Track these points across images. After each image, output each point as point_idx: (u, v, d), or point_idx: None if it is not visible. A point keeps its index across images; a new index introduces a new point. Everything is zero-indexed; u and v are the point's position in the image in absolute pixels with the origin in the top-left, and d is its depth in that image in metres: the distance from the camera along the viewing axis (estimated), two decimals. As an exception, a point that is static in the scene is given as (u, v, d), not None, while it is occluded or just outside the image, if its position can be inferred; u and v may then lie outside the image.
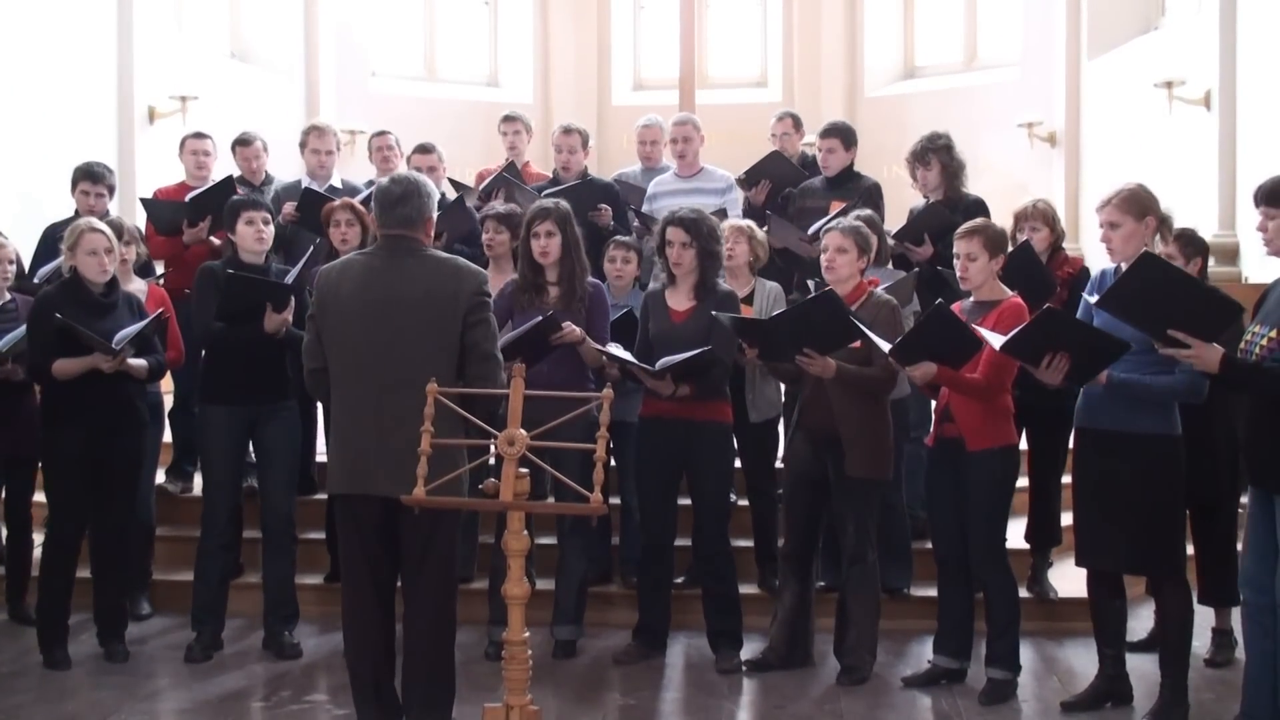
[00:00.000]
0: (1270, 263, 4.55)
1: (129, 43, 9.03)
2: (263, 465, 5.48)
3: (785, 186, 6.83)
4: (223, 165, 6.99)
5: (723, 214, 6.09)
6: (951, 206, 6.06)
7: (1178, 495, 4.49)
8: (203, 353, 5.48)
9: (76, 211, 6.19)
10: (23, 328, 5.24)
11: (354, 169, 8.52)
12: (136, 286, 5.70)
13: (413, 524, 3.98)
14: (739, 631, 5.26)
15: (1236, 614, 4.76)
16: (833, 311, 4.74)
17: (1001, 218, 5.59)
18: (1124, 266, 4.37)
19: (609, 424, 3.38)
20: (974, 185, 6.34)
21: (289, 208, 6.45)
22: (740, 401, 5.51)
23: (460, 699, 4.23)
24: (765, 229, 5.98)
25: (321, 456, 5.67)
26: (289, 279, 5.34)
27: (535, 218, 5.23)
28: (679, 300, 5.21)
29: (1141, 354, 4.25)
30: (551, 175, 7.20)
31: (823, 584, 5.49)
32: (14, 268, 5.61)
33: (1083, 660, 5.13)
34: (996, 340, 4.41)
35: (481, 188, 6.89)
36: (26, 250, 6.13)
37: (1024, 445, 5.25)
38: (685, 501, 5.33)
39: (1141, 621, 5.37)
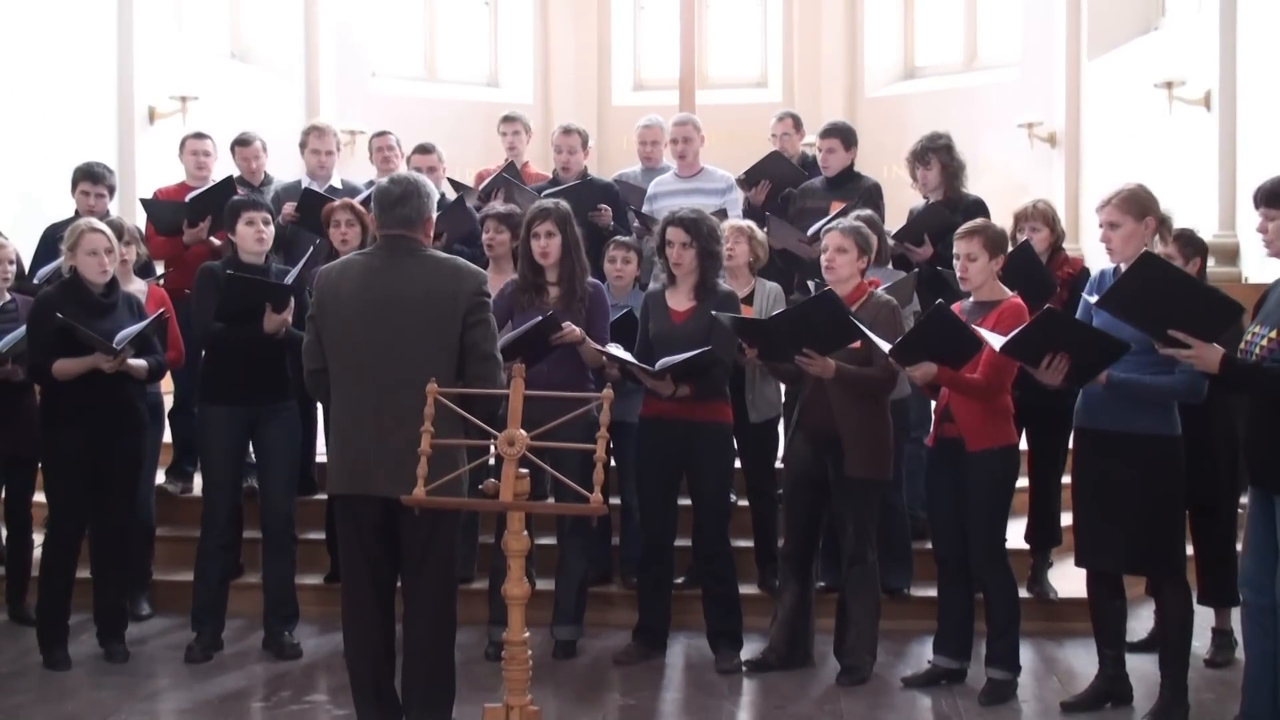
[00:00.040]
0: (1270, 263, 4.55)
1: (129, 43, 9.03)
2: (263, 465, 5.48)
3: (785, 187, 6.83)
4: (223, 165, 6.99)
5: (723, 214, 6.09)
6: (951, 207, 6.06)
7: (1177, 495, 4.49)
8: (202, 353, 5.49)
9: (76, 212, 6.19)
10: (23, 328, 5.24)
11: (354, 169, 8.52)
12: (136, 287, 5.70)
13: (413, 524, 3.98)
14: (739, 632, 5.26)
15: (1236, 614, 4.76)
16: (832, 311, 4.74)
17: (1001, 218, 5.59)
18: (1123, 267, 4.37)
19: (609, 424, 3.38)
20: (974, 185, 6.34)
21: (289, 208, 6.45)
22: (740, 402, 5.51)
23: (460, 699, 4.23)
24: (765, 229, 5.98)
25: (321, 457, 5.67)
26: (289, 279, 5.34)
27: (535, 218, 5.23)
28: (679, 300, 5.21)
29: (1141, 354, 4.25)
30: (551, 176, 7.20)
31: (823, 584, 5.49)
32: (14, 268, 5.61)
33: (1083, 660, 5.13)
34: (997, 341, 4.41)
35: (481, 188, 6.89)
36: (26, 251, 6.12)
37: (1024, 445, 5.25)
38: (685, 502, 5.33)
39: (1141, 622, 5.37)
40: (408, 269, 4.07)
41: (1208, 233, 7.59)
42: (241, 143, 6.99)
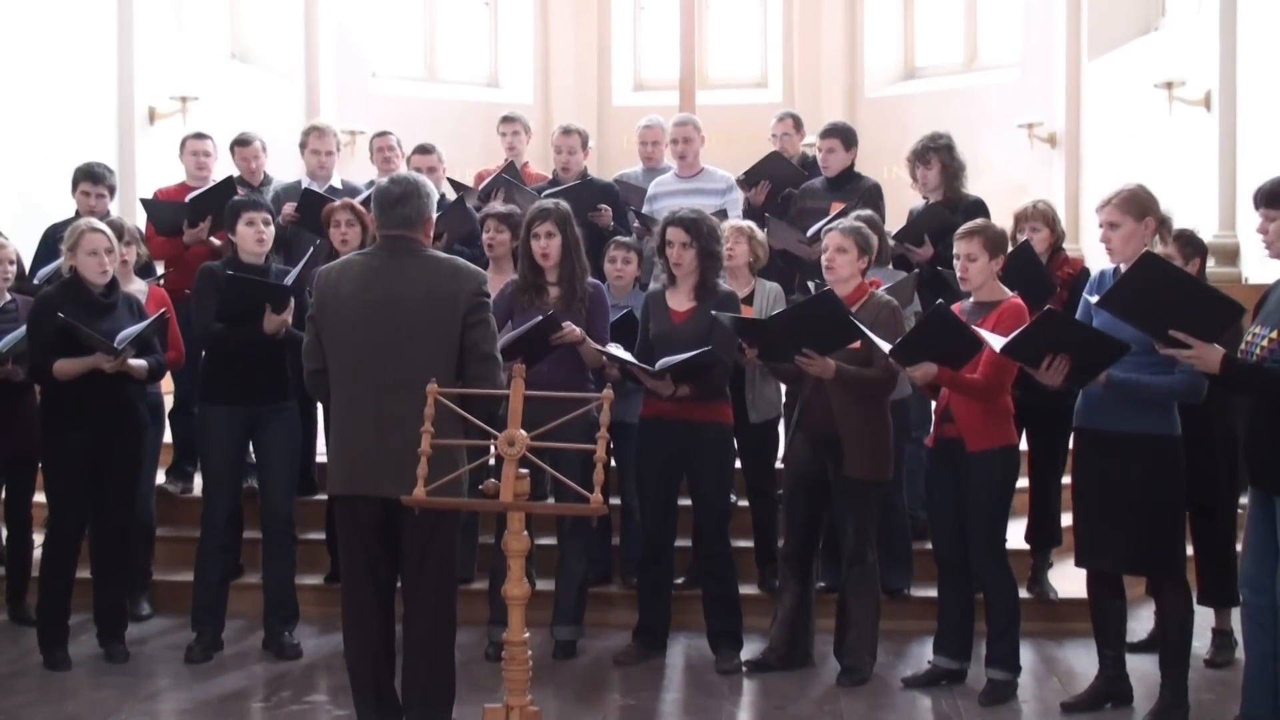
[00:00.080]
0: (1270, 264, 4.55)
1: (129, 43, 9.03)
2: (263, 466, 5.48)
3: (785, 187, 6.83)
4: (223, 166, 7.00)
5: (723, 214, 6.09)
6: (951, 207, 6.06)
7: (1177, 496, 4.49)
8: (202, 353, 5.48)
9: (77, 212, 6.19)
10: (23, 328, 5.24)
11: (354, 169, 8.51)
12: (137, 287, 5.70)
13: (413, 524, 3.98)
14: (739, 632, 5.26)
15: (1236, 614, 4.76)
16: (831, 311, 4.74)
17: (1001, 218, 5.59)
18: (1123, 267, 4.38)
19: (609, 424, 3.38)
20: (974, 186, 6.34)
21: (289, 208, 6.45)
22: (740, 402, 5.51)
23: (460, 699, 4.23)
24: (765, 230, 5.98)
25: (321, 457, 5.66)
26: (289, 280, 5.34)
27: (535, 218, 5.23)
28: (679, 301, 5.21)
29: (1141, 354, 4.25)
30: (551, 176, 7.20)
31: (823, 584, 5.49)
32: (14, 268, 5.61)
33: (1083, 661, 5.13)
34: (997, 343, 4.41)
35: (481, 188, 6.88)
36: (27, 251, 6.13)
37: (1024, 446, 5.25)
38: (685, 502, 5.33)
39: (1141, 622, 5.37)
40: (408, 269, 4.06)
41: (1208, 233, 7.59)
42: (241, 143, 6.99)
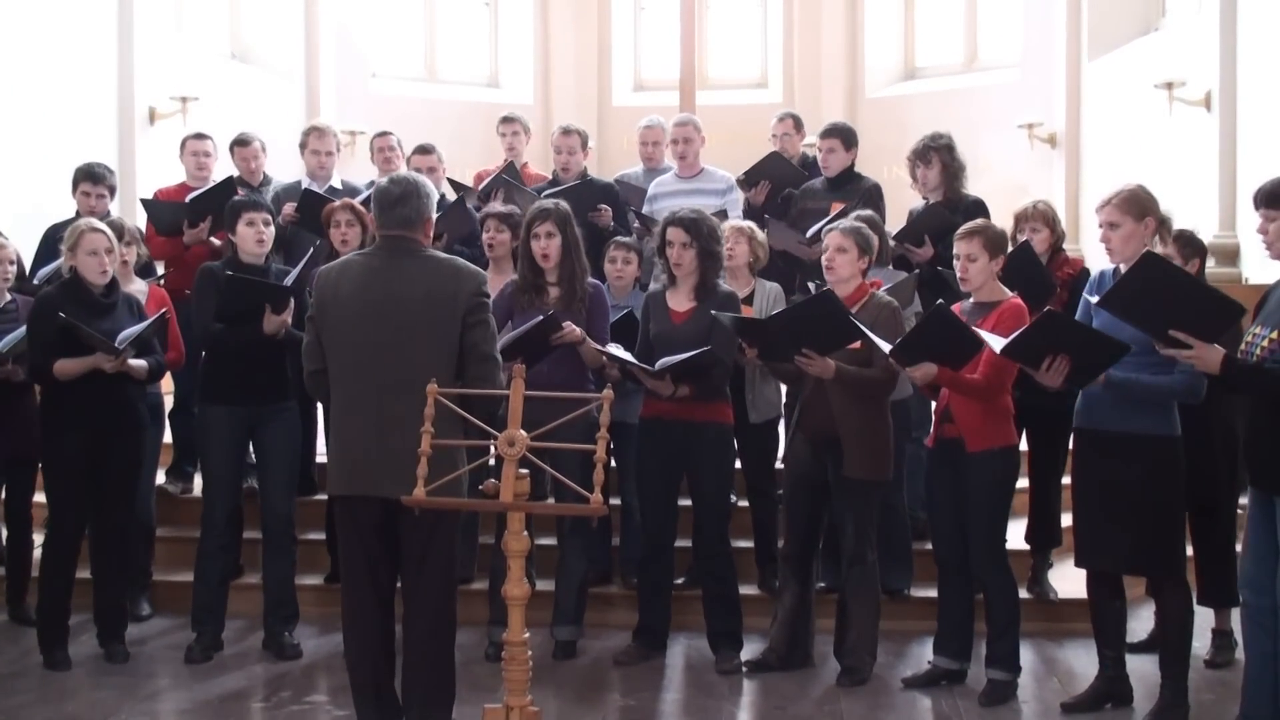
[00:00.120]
0: (1270, 264, 4.54)
1: (129, 43, 9.03)
2: (262, 466, 5.48)
3: (785, 187, 6.83)
4: (223, 166, 7.00)
5: (723, 215, 6.09)
6: (951, 207, 6.06)
7: (1177, 496, 4.49)
8: (203, 353, 5.48)
9: (77, 212, 6.19)
10: (23, 328, 5.24)
11: (354, 170, 8.51)
12: (137, 287, 5.70)
13: (413, 525, 3.98)
14: (739, 632, 5.26)
15: (1236, 615, 4.76)
16: (831, 311, 4.74)
17: (1001, 219, 5.58)
18: (1123, 267, 4.38)
19: (609, 424, 3.37)
20: (974, 186, 6.34)
21: (289, 208, 6.45)
22: (740, 402, 5.50)
23: (460, 699, 4.23)
24: (765, 230, 5.98)
25: (321, 457, 5.66)
26: (288, 280, 5.34)
27: (535, 218, 5.23)
28: (679, 301, 5.21)
29: (1141, 354, 4.25)
30: (551, 176, 7.20)
31: (823, 585, 5.49)
32: (14, 268, 5.61)
33: (1083, 661, 5.13)
34: (997, 343, 4.41)
35: (481, 189, 6.89)
36: (27, 251, 6.13)
37: (1024, 446, 5.25)
38: (685, 502, 5.33)
39: (1141, 622, 5.37)
40: (407, 269, 4.06)
41: (1208, 233, 7.60)
42: (240, 143, 6.99)
